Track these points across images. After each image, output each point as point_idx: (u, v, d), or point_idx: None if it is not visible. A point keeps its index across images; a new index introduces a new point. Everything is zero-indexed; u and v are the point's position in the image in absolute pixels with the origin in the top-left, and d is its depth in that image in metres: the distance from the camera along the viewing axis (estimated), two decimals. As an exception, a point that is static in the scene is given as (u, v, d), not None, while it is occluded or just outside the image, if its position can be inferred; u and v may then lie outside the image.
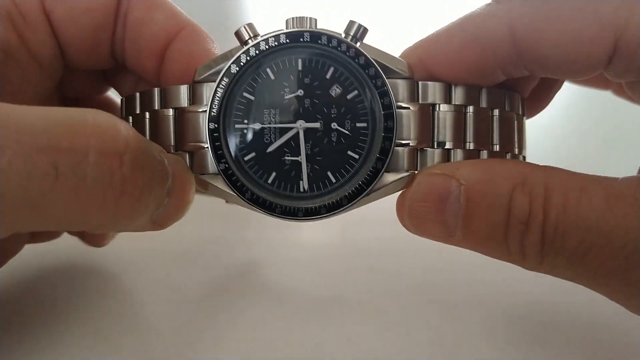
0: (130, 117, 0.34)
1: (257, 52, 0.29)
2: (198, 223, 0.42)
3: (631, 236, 0.24)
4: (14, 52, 0.32)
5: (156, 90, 0.33)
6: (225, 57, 0.31)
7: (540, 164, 0.28)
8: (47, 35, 0.33)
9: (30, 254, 0.38)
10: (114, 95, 0.42)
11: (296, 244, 0.45)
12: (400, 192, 0.30)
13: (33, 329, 0.34)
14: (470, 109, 0.31)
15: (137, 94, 0.34)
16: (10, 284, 0.38)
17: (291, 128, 0.29)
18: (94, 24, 0.33)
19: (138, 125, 0.33)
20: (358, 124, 0.29)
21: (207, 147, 0.30)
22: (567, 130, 0.54)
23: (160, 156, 0.28)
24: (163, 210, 0.29)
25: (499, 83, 0.31)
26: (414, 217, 0.29)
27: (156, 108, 0.32)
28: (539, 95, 0.38)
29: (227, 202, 0.45)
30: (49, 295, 0.38)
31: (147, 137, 0.33)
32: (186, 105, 0.31)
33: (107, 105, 0.41)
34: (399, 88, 0.30)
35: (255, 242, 0.46)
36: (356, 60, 0.29)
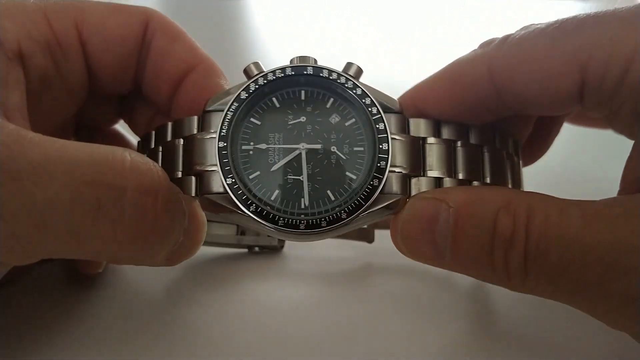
0: (147, 153, 0.36)
1: (265, 81, 0.33)
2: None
3: (607, 248, 0.26)
4: (50, 81, 0.33)
5: (169, 124, 0.35)
6: (235, 88, 0.34)
7: (525, 190, 0.30)
8: (80, 63, 0.35)
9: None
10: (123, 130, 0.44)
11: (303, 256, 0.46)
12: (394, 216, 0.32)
13: (32, 328, 0.34)
14: (459, 143, 0.34)
15: (153, 131, 0.36)
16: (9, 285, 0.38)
17: (294, 149, 0.32)
18: (125, 53, 0.35)
19: (153, 159, 0.35)
20: (355, 148, 0.32)
21: (213, 170, 0.32)
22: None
23: (179, 197, 0.31)
24: (178, 248, 0.31)
25: (489, 123, 0.34)
26: (406, 238, 0.31)
27: (168, 139, 0.35)
28: (536, 141, 0.41)
29: (250, 249, 0.46)
30: (49, 296, 0.38)
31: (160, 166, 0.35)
32: (196, 133, 0.34)
33: (118, 139, 0.43)
34: (391, 120, 0.33)
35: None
36: (354, 91, 0.32)
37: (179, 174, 0.33)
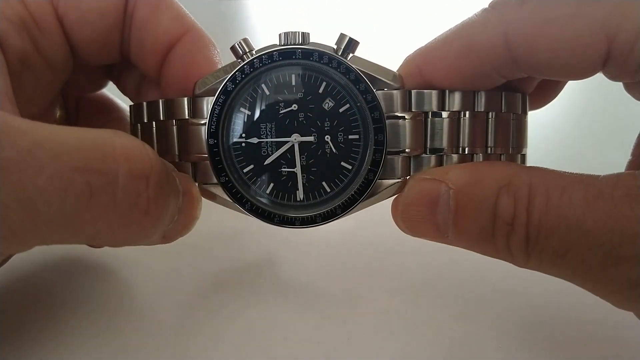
0: (139, 125, 0.36)
1: (251, 69, 0.31)
2: (205, 218, 0.40)
3: (608, 235, 0.26)
4: (30, 61, 0.32)
5: (160, 102, 0.34)
6: (222, 72, 0.32)
7: (527, 165, 0.29)
8: (60, 39, 0.33)
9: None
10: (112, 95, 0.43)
11: (305, 241, 0.45)
12: (395, 196, 0.32)
13: (32, 326, 0.35)
14: (467, 114, 0.32)
15: (145, 103, 0.35)
16: (9, 280, 0.39)
17: (287, 142, 0.31)
18: (105, 25, 0.34)
19: (146, 133, 0.35)
20: (350, 136, 0.31)
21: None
22: (566, 125, 0.54)
23: (173, 175, 0.30)
24: (174, 225, 0.31)
25: (499, 85, 0.32)
26: (407, 220, 0.31)
27: (161, 119, 0.34)
28: (545, 88, 0.38)
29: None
30: (48, 291, 0.38)
31: (155, 146, 0.34)
32: (187, 117, 0.33)
33: (107, 104, 0.42)
34: (393, 98, 0.31)
35: (262, 238, 0.46)
36: (347, 76, 0.30)
37: (176, 159, 0.34)
